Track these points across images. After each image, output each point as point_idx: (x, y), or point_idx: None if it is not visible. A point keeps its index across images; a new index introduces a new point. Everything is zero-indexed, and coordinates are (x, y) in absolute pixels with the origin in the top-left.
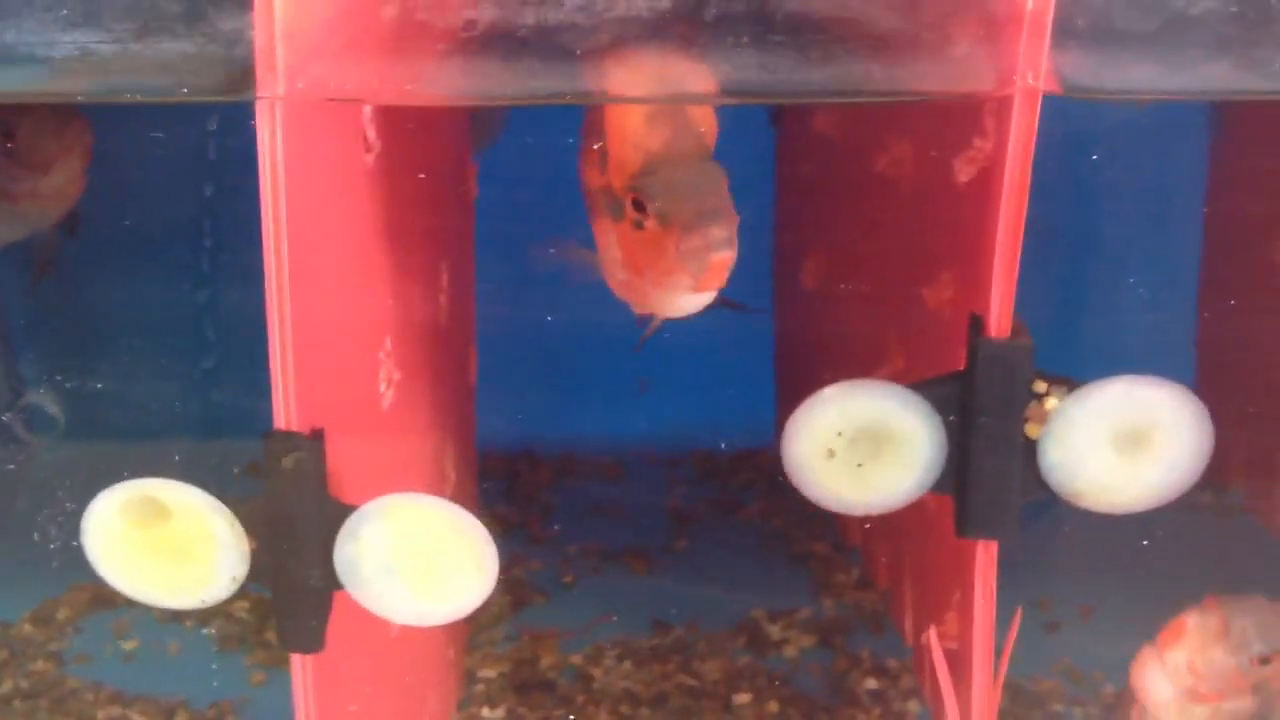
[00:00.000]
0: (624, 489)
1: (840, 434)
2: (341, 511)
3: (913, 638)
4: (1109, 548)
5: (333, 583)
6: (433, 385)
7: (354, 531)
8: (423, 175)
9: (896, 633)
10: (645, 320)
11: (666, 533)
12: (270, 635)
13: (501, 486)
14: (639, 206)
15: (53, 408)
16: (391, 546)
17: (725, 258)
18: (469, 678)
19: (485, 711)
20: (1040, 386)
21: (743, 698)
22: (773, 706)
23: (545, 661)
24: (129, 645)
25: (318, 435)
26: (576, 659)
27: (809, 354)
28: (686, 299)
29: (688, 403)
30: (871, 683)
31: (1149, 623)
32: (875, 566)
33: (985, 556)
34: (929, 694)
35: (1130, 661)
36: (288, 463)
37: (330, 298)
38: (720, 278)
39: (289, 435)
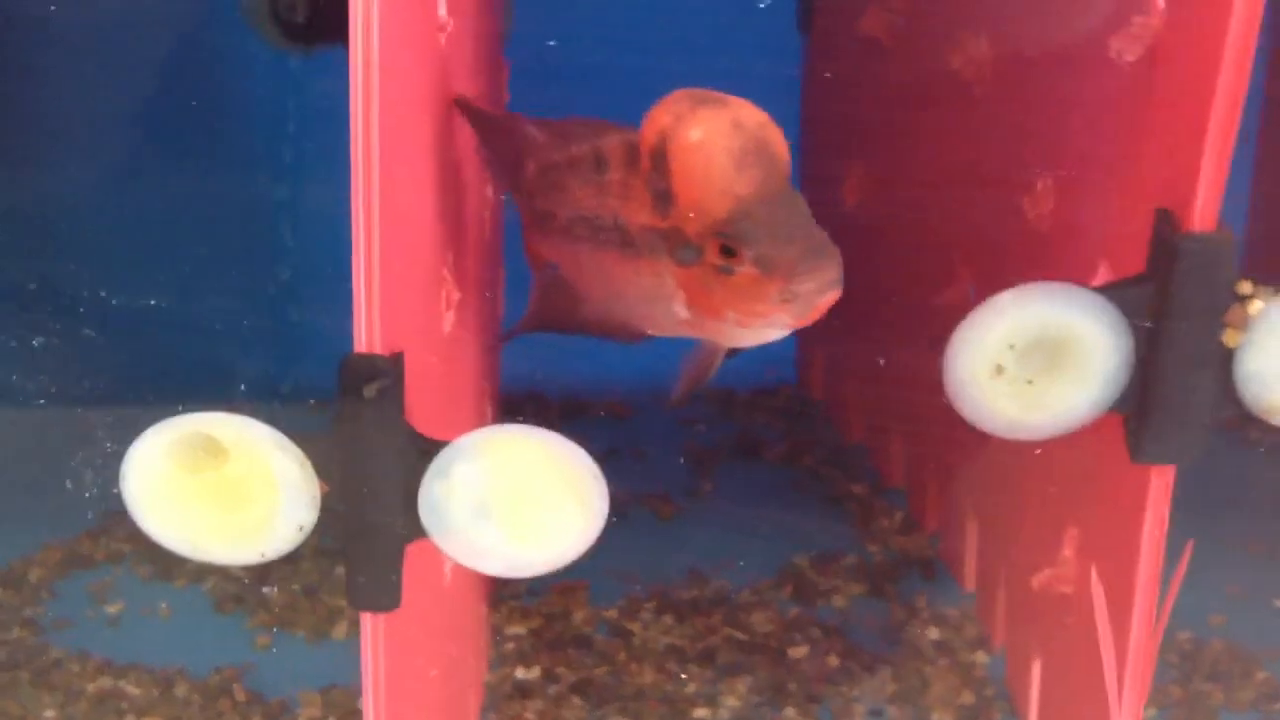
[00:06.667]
0: (637, 430)
1: (1013, 347)
2: (428, 447)
3: (975, 582)
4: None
5: (416, 530)
6: (479, 311)
7: (444, 470)
8: (482, 61)
9: (951, 579)
10: (700, 354)
11: (688, 476)
12: (276, 595)
13: None
14: (728, 252)
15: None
16: (486, 486)
17: (836, 295)
18: (497, 635)
19: (520, 672)
20: (1245, 288)
21: (798, 651)
22: (833, 660)
23: (577, 616)
24: (113, 609)
25: (397, 360)
26: (610, 613)
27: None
28: (775, 332)
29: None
30: (934, 633)
31: (1226, 568)
32: (922, 508)
33: (1159, 483)
34: (998, 642)
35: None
36: (369, 391)
37: (412, 197)
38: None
39: (370, 359)
